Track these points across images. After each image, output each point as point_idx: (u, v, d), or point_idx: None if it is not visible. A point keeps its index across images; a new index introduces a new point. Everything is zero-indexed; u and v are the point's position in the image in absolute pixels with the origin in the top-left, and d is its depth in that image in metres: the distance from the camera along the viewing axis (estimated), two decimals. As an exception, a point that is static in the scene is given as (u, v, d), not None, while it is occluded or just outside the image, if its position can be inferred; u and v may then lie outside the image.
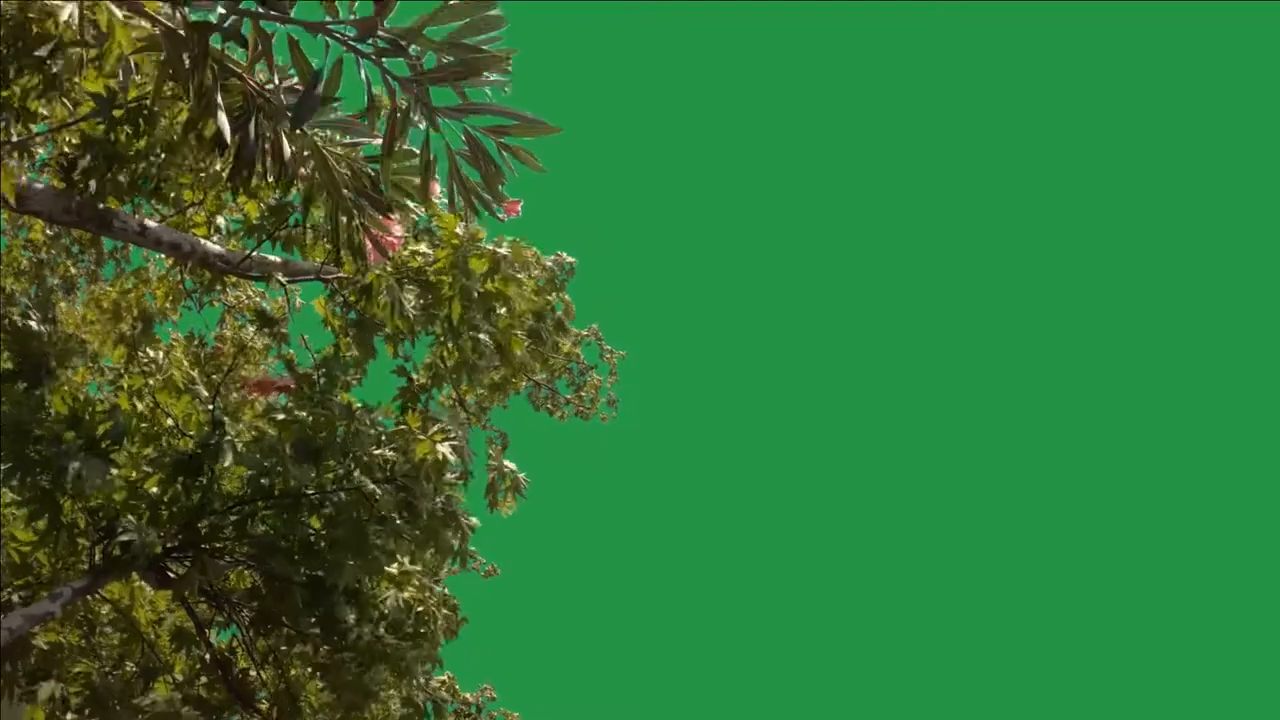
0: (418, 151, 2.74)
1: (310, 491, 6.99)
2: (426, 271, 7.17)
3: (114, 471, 6.68)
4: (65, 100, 5.73)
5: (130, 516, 7.01)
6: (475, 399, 8.56)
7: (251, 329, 7.84)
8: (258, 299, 8.03)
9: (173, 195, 6.80)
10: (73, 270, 8.38)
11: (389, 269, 6.75)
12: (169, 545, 7.18)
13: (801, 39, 27.38)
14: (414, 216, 7.07)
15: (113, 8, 2.78)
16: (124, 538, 6.76)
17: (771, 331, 29.16)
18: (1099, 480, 28.28)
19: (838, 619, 26.66)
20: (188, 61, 2.80)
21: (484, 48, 2.76)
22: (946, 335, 29.16)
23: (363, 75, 2.79)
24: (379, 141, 2.73)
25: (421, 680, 7.92)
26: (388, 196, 2.82)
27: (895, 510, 28.11)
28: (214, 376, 7.60)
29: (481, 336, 7.31)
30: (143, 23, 2.82)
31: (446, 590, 8.26)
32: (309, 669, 7.80)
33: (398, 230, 2.98)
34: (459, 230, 7.15)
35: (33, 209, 6.52)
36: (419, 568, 7.62)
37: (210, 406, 7.17)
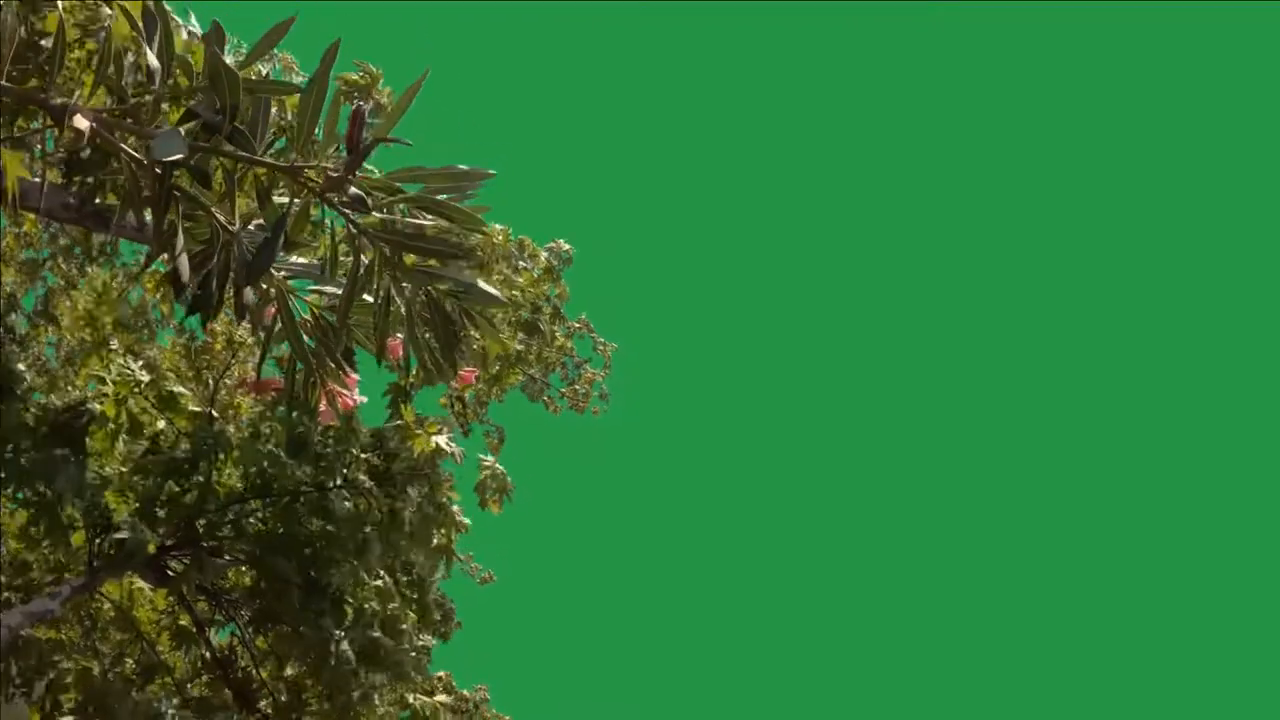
0: (376, 304, 2.62)
1: (307, 489, 6.96)
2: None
3: (104, 470, 6.70)
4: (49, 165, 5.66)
5: (126, 515, 6.97)
6: (473, 394, 8.46)
7: (243, 325, 7.77)
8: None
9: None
10: (73, 271, 8.28)
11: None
12: (167, 543, 7.15)
13: (800, 33, 27.47)
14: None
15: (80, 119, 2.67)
16: (120, 535, 6.78)
17: (769, 327, 29.10)
18: (1099, 480, 28.12)
19: (834, 616, 26.42)
20: (149, 193, 2.68)
21: (460, 206, 2.65)
22: (944, 332, 29.06)
23: (328, 224, 2.67)
24: (339, 293, 2.61)
25: (417, 681, 7.78)
26: (349, 350, 2.70)
27: (893, 507, 27.91)
28: (205, 373, 7.53)
29: (473, 334, 7.22)
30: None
31: (441, 592, 8.19)
32: (306, 669, 7.68)
33: (356, 392, 2.85)
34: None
35: (31, 205, 6.44)
36: (405, 576, 7.56)
37: (202, 408, 7.16)
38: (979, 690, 24.99)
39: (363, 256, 2.57)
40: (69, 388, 6.84)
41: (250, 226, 2.75)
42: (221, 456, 6.90)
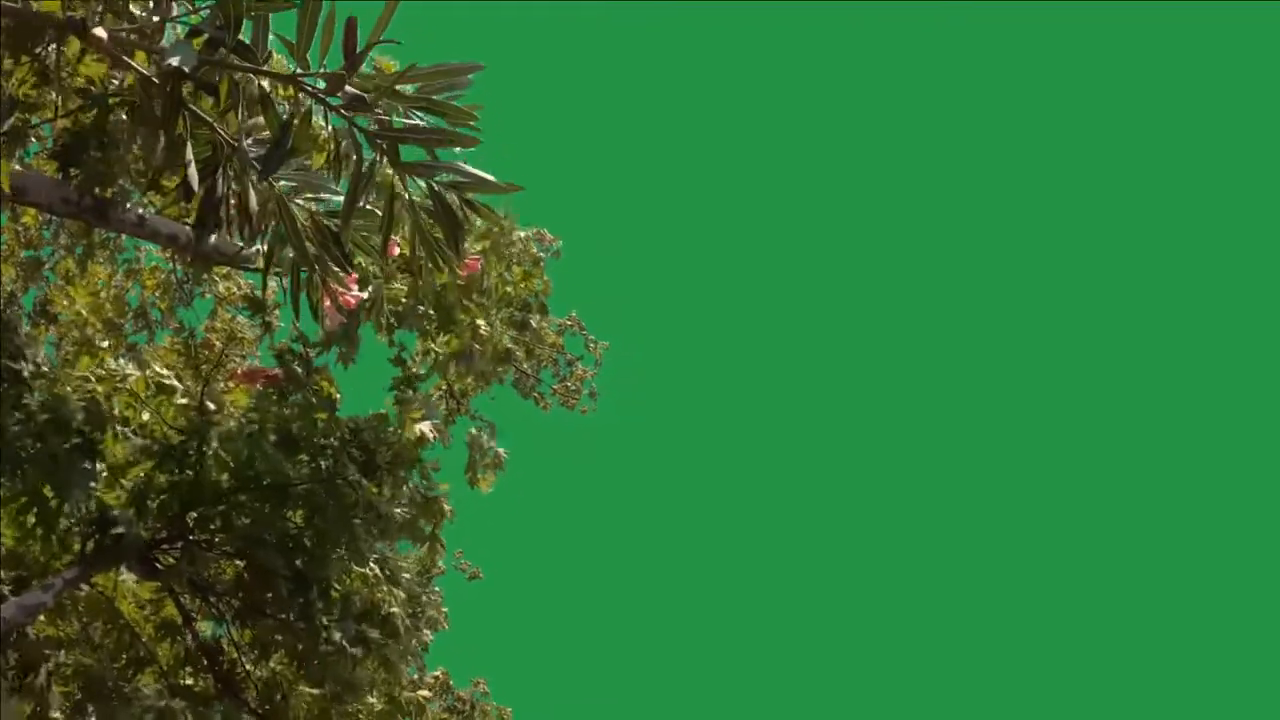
0: (379, 212, 2.74)
1: (296, 482, 7.05)
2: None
3: (99, 465, 6.77)
4: (61, 87, 5.72)
5: (118, 509, 7.04)
6: (461, 387, 8.52)
7: (243, 319, 7.86)
8: (249, 289, 8.02)
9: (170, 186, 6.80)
10: (72, 268, 8.37)
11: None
12: (157, 537, 7.25)
13: (795, 32, 27.66)
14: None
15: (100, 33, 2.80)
16: (115, 530, 6.84)
17: (763, 325, 29.05)
18: (1099, 480, 28.02)
19: (829, 614, 26.24)
20: (159, 109, 2.80)
21: (453, 104, 2.77)
22: (940, 329, 29.02)
23: (329, 129, 2.79)
24: (341, 197, 2.72)
25: (408, 676, 7.79)
26: (349, 252, 2.81)
27: (889, 505, 27.78)
28: (203, 367, 7.62)
29: (480, 323, 7.34)
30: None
31: (436, 589, 8.22)
32: (293, 661, 7.72)
33: (356, 289, 2.96)
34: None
35: (30, 200, 6.52)
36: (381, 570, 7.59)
37: (189, 401, 7.23)
38: (979, 690, 24.89)
39: (365, 156, 2.69)
40: (67, 387, 6.91)
41: (248, 141, 2.87)
42: (211, 449, 6.97)
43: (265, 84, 2.78)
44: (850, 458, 28.34)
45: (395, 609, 7.52)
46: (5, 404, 6.56)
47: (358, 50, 2.75)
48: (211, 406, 7.21)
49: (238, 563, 7.55)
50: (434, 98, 2.72)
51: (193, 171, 2.76)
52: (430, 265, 2.71)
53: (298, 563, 7.02)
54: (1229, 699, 23.76)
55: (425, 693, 8.52)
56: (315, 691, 7.61)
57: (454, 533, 8.52)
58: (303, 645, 7.37)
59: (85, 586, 7.72)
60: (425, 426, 6.96)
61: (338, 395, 7.26)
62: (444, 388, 8.24)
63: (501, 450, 8.00)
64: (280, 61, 3.01)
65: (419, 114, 2.72)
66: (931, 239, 29.58)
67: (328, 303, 2.92)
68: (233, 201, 2.82)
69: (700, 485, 28.53)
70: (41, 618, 7.65)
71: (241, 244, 7.00)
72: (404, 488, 7.19)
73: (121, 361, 7.23)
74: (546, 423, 10.02)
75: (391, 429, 7.04)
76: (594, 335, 9.70)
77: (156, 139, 2.82)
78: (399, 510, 7.26)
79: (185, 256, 7.34)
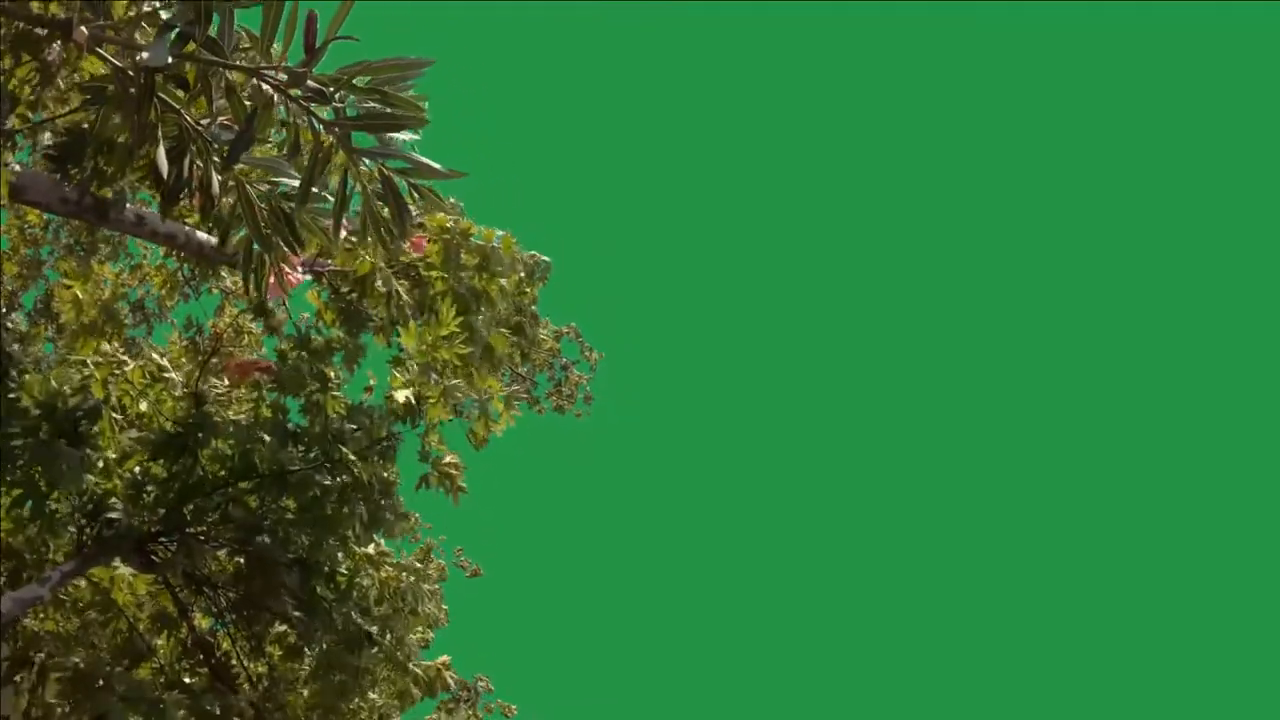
0: (330, 196, 2.95)
1: (292, 470, 7.12)
2: (417, 265, 7.43)
3: (92, 455, 6.89)
4: (59, 87, 5.89)
5: (115, 500, 7.17)
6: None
7: (249, 315, 8.03)
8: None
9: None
10: (74, 267, 8.56)
11: (382, 263, 6.89)
12: (154, 529, 7.32)
13: (784, 33, 27.90)
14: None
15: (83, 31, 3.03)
16: (111, 515, 6.97)
17: (757, 326, 29.23)
18: (1099, 480, 28.06)
19: (826, 614, 26.32)
20: (134, 98, 3.02)
21: (402, 95, 2.98)
22: (935, 330, 29.15)
23: (290, 118, 3.01)
24: (297, 182, 2.94)
25: (410, 653, 7.87)
26: (301, 233, 3.02)
27: (887, 505, 27.92)
28: (200, 358, 7.78)
29: (478, 321, 7.53)
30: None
31: (436, 585, 8.33)
32: (291, 653, 7.81)
33: (300, 269, 3.18)
34: (449, 225, 7.44)
35: (30, 199, 6.69)
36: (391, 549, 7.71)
37: (185, 390, 7.37)
38: (979, 690, 24.88)
39: (322, 140, 2.91)
40: (65, 384, 7.10)
41: (214, 126, 3.09)
42: (208, 440, 7.11)
43: (231, 75, 3.00)
44: (848, 458, 28.46)
45: (406, 583, 7.59)
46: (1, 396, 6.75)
47: (316, 45, 2.98)
48: (208, 397, 7.35)
49: (235, 556, 7.68)
50: (385, 89, 2.94)
51: (162, 154, 2.98)
52: (377, 241, 2.92)
53: (299, 553, 7.12)
54: (1229, 699, 23.73)
55: (445, 658, 8.58)
56: (314, 684, 7.66)
57: (453, 532, 8.70)
58: (300, 637, 7.48)
59: (82, 581, 7.86)
60: (406, 394, 7.01)
61: (336, 379, 7.37)
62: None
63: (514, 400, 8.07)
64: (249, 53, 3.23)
65: (372, 104, 2.94)
66: (930, 240, 29.75)
67: (272, 279, 3.13)
68: (195, 184, 3.04)
69: (698, 485, 28.67)
70: (41, 613, 7.79)
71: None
72: (392, 467, 7.23)
73: (118, 347, 7.41)
74: (545, 424, 10.23)
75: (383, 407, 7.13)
76: (590, 338, 9.96)
77: (130, 126, 3.04)
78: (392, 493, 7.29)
79: (183, 255, 7.55)
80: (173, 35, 3.05)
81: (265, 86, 2.99)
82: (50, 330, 8.29)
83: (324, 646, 7.30)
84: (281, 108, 3.01)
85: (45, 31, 3.83)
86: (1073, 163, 28.99)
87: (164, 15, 3.04)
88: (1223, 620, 25.56)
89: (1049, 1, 26.38)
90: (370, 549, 7.53)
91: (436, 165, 2.88)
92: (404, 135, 2.89)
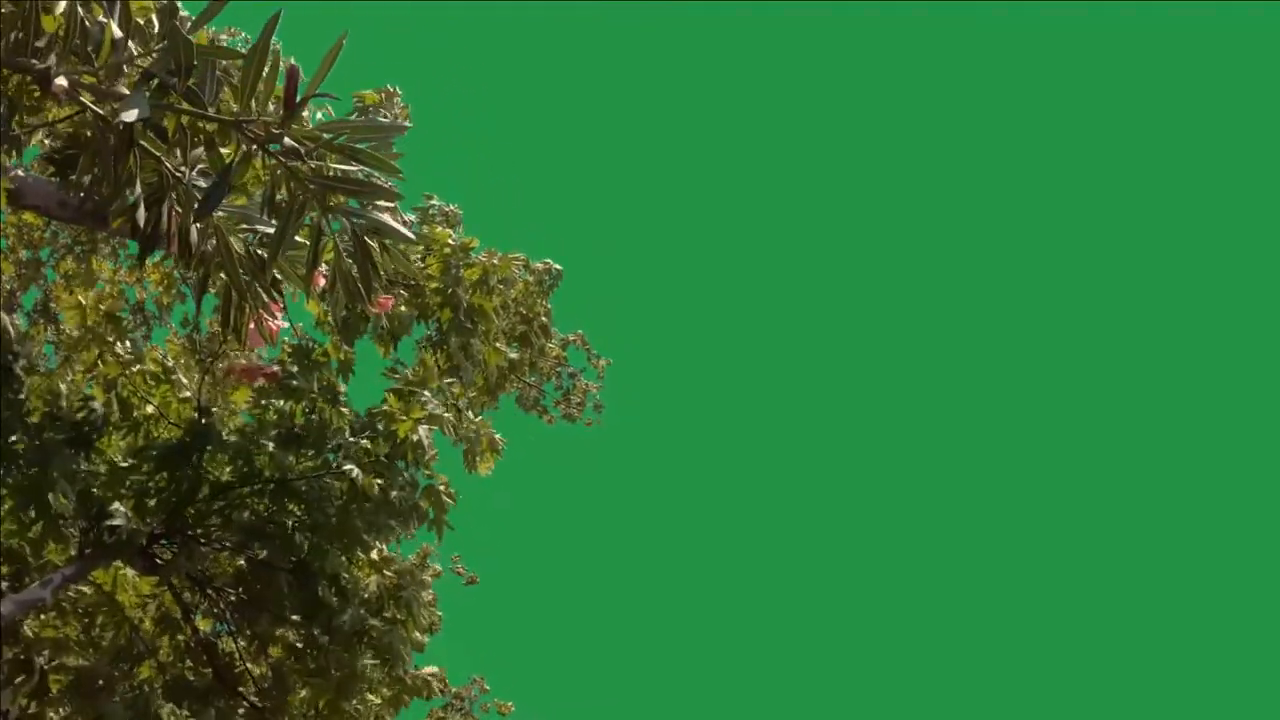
0: (306, 243, 2.98)
1: (294, 477, 7.22)
2: (417, 277, 7.50)
3: (95, 460, 6.97)
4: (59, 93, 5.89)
5: (118, 504, 7.22)
6: (467, 400, 8.81)
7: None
8: None
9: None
10: (73, 267, 8.62)
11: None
12: (156, 531, 7.41)
13: (789, 39, 27.92)
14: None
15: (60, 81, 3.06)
16: (113, 522, 7.03)
17: (758, 332, 29.30)
18: (1099, 481, 28.13)
19: (827, 617, 26.45)
20: (112, 141, 3.06)
21: (379, 155, 3.01)
22: (936, 334, 29.22)
23: (267, 172, 3.04)
24: (272, 229, 2.97)
25: (406, 663, 7.97)
26: (277, 280, 3.06)
27: (887, 507, 27.98)
28: (201, 361, 7.83)
29: (474, 342, 7.59)
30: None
31: (428, 576, 8.41)
32: (293, 655, 7.89)
33: (280, 318, 3.21)
34: (450, 240, 7.50)
35: (30, 204, 6.72)
36: (397, 554, 7.79)
37: (190, 395, 7.44)
38: (979, 690, 24.95)
39: (296, 196, 2.94)
40: (65, 383, 7.16)
41: (193, 173, 3.13)
42: (212, 446, 7.19)
43: (210, 126, 3.03)
44: (847, 460, 28.51)
45: (409, 589, 7.66)
46: (2, 400, 6.80)
47: (296, 100, 3.01)
48: (212, 403, 7.41)
49: (237, 559, 7.76)
50: (359, 146, 2.97)
51: (140, 206, 3.02)
52: (345, 299, 2.96)
53: (302, 557, 7.18)
54: (1229, 699, 23.76)
55: (433, 669, 8.67)
56: (315, 681, 7.71)
57: (458, 533, 8.77)
58: (302, 640, 7.57)
59: (86, 586, 7.93)
60: (423, 431, 7.11)
61: (342, 388, 7.45)
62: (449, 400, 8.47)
63: (499, 436, 8.13)
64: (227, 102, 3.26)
65: (349, 164, 2.97)
66: (930, 242, 29.73)
67: (252, 325, 3.17)
68: (173, 232, 3.07)
69: (697, 489, 28.75)
70: (42, 616, 7.85)
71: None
72: (400, 478, 7.32)
73: (126, 347, 7.45)
74: (543, 428, 10.28)
75: (390, 424, 7.20)
76: (593, 343, 10.01)
77: (107, 174, 3.07)
78: (396, 495, 7.37)
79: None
80: (153, 84, 3.08)
81: (243, 140, 3.02)
82: (51, 332, 8.34)
83: (324, 645, 7.36)
84: (258, 160, 3.04)
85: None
86: (1073, 163, 28.96)
87: (143, 65, 3.07)
88: (1223, 620, 25.60)
89: (1049, 1, 26.31)
90: (374, 554, 7.59)
91: (404, 230, 2.91)
92: (380, 191, 2.92)
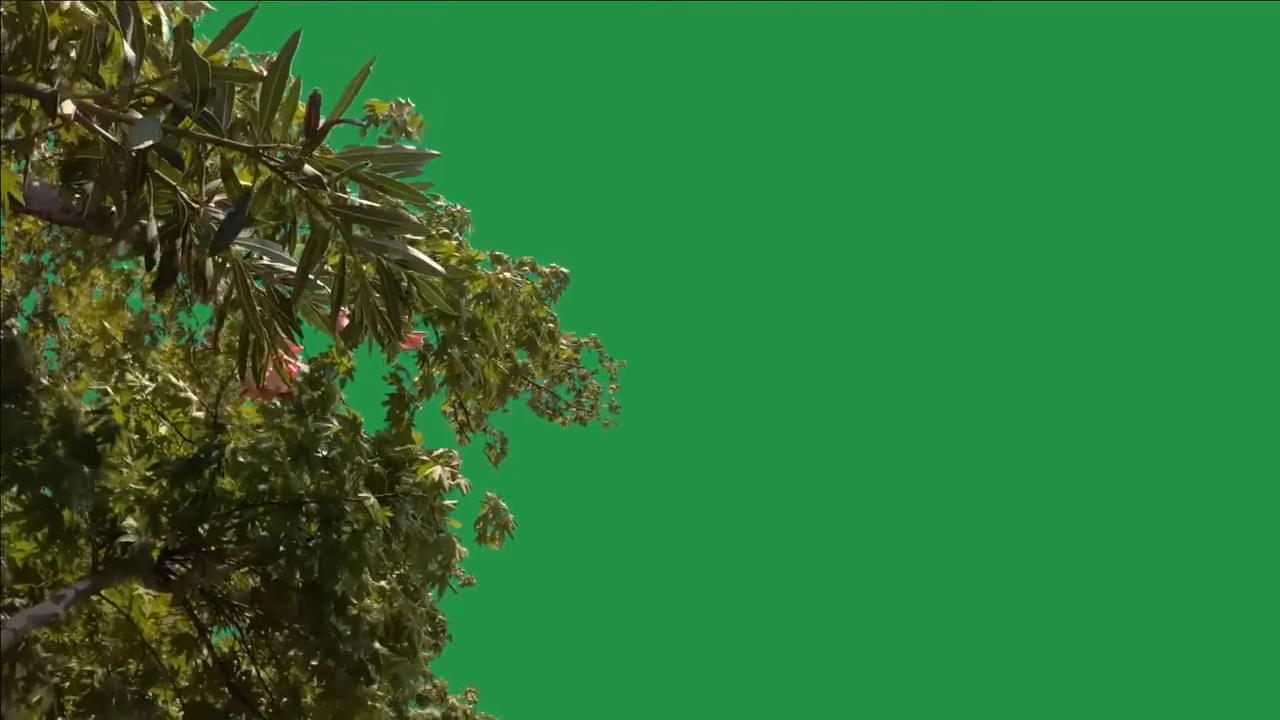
0: (328, 289, 2.82)
1: (308, 499, 7.17)
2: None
3: (109, 477, 6.91)
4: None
5: (131, 520, 7.18)
6: (475, 404, 8.74)
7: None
8: None
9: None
10: (74, 271, 8.50)
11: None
12: (170, 548, 7.36)
13: (798, 43, 27.89)
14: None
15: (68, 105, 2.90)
16: (126, 539, 6.98)
17: (765, 335, 29.34)
18: (1099, 481, 28.15)
19: (830, 622, 26.51)
20: (123, 171, 2.89)
21: (405, 183, 2.85)
22: (944, 336, 29.22)
23: (288, 202, 2.88)
24: (293, 269, 2.81)
25: (410, 689, 7.94)
26: (298, 322, 2.90)
27: (889, 512, 28.04)
28: (204, 377, 7.74)
29: (475, 356, 7.54)
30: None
31: (435, 604, 8.38)
32: (306, 673, 7.84)
33: (300, 361, 3.05)
34: (456, 253, 7.40)
35: (33, 209, 6.60)
36: (401, 586, 7.75)
37: (203, 413, 7.37)
38: (979, 690, 24.94)
39: (319, 228, 2.78)
40: (71, 393, 7.03)
41: (211, 204, 2.96)
42: (225, 466, 7.12)
43: (227, 154, 2.87)
44: (848, 462, 28.47)
45: (412, 622, 7.63)
46: (14, 416, 6.67)
47: (318, 127, 2.84)
48: (225, 424, 7.35)
49: (251, 576, 7.69)
50: (387, 175, 2.81)
51: (154, 235, 2.86)
52: (373, 337, 2.80)
53: (313, 579, 7.13)
54: (1229, 699, 23.75)
55: (435, 713, 8.67)
56: (324, 704, 7.69)
57: (465, 535, 8.72)
58: (316, 660, 7.51)
59: (102, 602, 7.84)
60: (443, 472, 7.09)
61: (360, 417, 7.48)
62: (455, 402, 8.39)
63: (511, 517, 8.22)
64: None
65: (373, 194, 2.81)
66: (930, 242, 29.66)
67: (270, 369, 3.01)
68: (190, 267, 2.91)
69: (705, 492, 28.70)
70: (50, 630, 7.75)
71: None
72: (419, 521, 7.32)
73: (141, 374, 7.37)
74: (551, 432, 10.18)
75: (410, 453, 7.18)
76: (607, 350, 9.90)
77: (119, 203, 2.91)
78: (408, 520, 7.35)
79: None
80: (167, 109, 2.91)
81: (262, 168, 2.86)
82: (54, 339, 8.21)
83: (329, 668, 7.30)
84: (279, 190, 2.88)
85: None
86: (1073, 162, 28.88)
87: (157, 89, 2.90)
88: (1223, 620, 25.58)
89: (1049, 1, 26.14)
90: (390, 582, 7.52)
91: (435, 264, 2.75)
92: (406, 227, 2.76)
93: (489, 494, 8.55)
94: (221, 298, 2.91)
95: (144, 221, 2.79)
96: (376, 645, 7.52)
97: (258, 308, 2.87)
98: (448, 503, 7.65)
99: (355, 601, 7.36)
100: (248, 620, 7.85)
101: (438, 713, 9.01)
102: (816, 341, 29.40)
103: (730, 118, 28.81)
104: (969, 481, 28.11)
